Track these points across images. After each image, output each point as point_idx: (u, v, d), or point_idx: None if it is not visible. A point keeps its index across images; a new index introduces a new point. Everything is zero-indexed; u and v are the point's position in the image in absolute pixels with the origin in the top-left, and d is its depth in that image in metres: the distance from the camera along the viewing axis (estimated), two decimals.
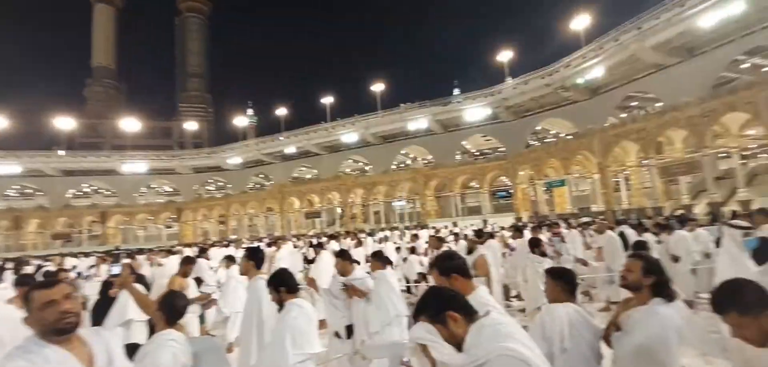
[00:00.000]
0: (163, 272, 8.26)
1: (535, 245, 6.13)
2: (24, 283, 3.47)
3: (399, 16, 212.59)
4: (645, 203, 28.87)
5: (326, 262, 7.50)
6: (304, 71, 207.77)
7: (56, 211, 50.44)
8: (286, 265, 7.14)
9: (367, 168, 52.76)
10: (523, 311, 7.85)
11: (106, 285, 5.23)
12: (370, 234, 18.13)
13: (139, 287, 4.41)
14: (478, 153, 50.08)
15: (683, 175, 27.22)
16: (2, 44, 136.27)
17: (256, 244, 15.48)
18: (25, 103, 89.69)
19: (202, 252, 9.89)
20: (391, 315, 3.69)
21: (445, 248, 7.00)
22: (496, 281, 5.14)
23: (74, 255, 19.23)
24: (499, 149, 45.05)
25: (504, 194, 41.11)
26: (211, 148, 65.92)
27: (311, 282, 4.83)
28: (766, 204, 12.33)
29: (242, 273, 3.83)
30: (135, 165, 57.94)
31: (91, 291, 7.61)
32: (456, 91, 51.50)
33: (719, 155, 26.44)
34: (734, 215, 9.85)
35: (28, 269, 9.89)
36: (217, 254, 12.18)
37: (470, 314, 1.53)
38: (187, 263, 5.29)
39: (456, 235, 13.36)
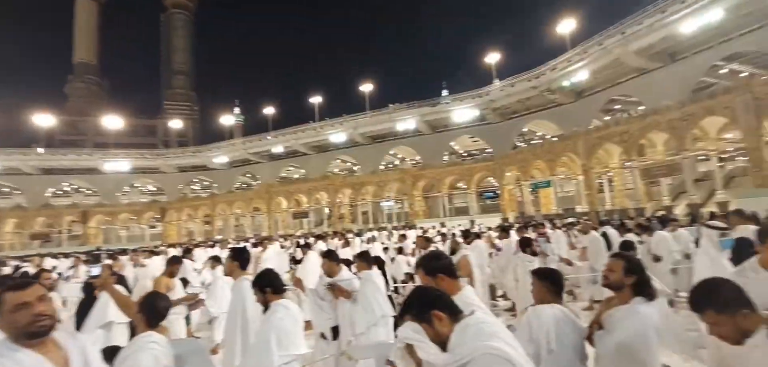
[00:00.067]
0: (145, 273, 8.09)
1: (525, 244, 6.23)
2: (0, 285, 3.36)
3: (388, 16, 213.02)
4: (627, 204, 29.52)
5: (313, 262, 7.45)
6: (292, 70, 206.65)
7: (34, 210, 49.03)
8: (272, 265, 7.06)
9: (355, 168, 52.68)
10: (509, 310, 7.94)
11: (88, 287, 5.10)
12: (358, 234, 18.09)
13: (120, 288, 4.32)
14: (465, 154, 50.46)
15: (664, 177, 27.94)
16: None
17: (242, 244, 15.30)
18: (3, 99, 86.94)
19: (187, 253, 9.74)
20: (377, 316, 3.68)
21: (432, 248, 7.03)
22: (480, 282, 5.19)
23: (54, 256, 18.69)
24: (487, 150, 45.48)
25: (491, 194, 41.52)
26: (197, 147, 64.94)
27: (298, 283, 4.79)
28: (742, 206, 12.73)
29: (227, 274, 3.77)
30: (117, 164, 56.66)
31: (68, 293, 7.41)
32: (444, 93, 51.81)
33: (698, 158, 27.21)
34: (712, 216, 10.13)
35: (6, 270, 9.58)
36: (201, 254, 12.00)
37: (455, 314, 1.55)
38: (174, 263, 5.18)
39: (443, 235, 13.43)
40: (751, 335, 1.67)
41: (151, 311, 2.33)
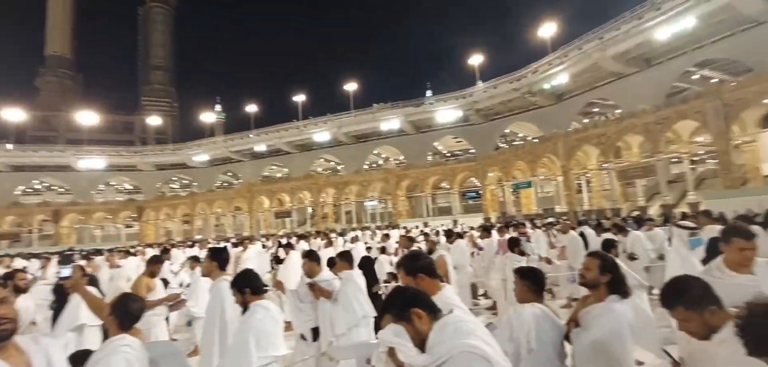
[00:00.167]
0: (120, 274, 7.85)
1: (514, 244, 6.32)
2: None
3: (373, 16, 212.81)
4: (604, 204, 30.34)
5: (295, 263, 7.37)
6: (275, 68, 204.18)
7: (3, 209, 47.00)
8: (253, 266, 6.95)
9: (339, 168, 52.43)
10: (490, 309, 8.04)
11: (59, 289, 4.90)
12: (341, 234, 18.02)
13: (92, 289, 4.17)
14: (449, 154, 50.88)
15: (639, 178, 28.85)
16: None
17: (222, 244, 15.01)
18: None
19: (165, 253, 9.49)
20: (359, 316, 3.66)
21: (414, 248, 7.06)
22: (455, 282, 5.24)
23: (25, 256, 17.91)
24: (470, 151, 45.96)
25: (473, 194, 41.99)
26: (176, 144, 63.43)
27: (278, 285, 4.73)
28: (712, 206, 13.25)
29: (204, 274, 3.68)
30: (92, 161, 54.74)
31: (37, 295, 7.10)
32: (428, 93, 52.19)
33: (672, 160, 28.22)
34: (684, 216, 10.51)
35: None
36: (179, 255, 11.71)
37: (435, 312, 1.55)
38: (155, 262, 5.02)
39: (426, 235, 13.49)
40: (718, 331, 1.74)
41: (123, 313, 2.26)
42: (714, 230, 5.25)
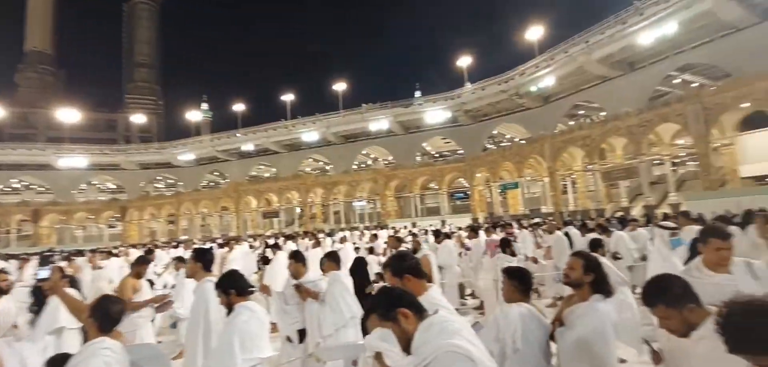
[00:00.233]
0: (101, 275, 7.67)
1: (506, 245, 6.38)
2: None
3: (363, 16, 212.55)
4: (589, 204, 30.87)
5: (282, 263, 7.31)
6: (263, 66, 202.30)
7: None
8: (239, 267, 6.87)
9: (327, 168, 52.21)
10: (477, 308, 8.10)
11: (37, 291, 4.76)
12: (330, 234, 17.94)
13: (72, 291, 4.07)
14: (437, 155, 51.12)
15: (622, 179, 29.47)
16: None
17: (208, 245, 14.80)
18: None
19: (149, 254, 9.32)
20: (346, 317, 3.64)
21: (402, 248, 7.06)
22: (438, 281, 5.28)
23: (2, 257, 17.36)
24: (458, 152, 46.24)
25: (461, 195, 42.26)
26: (161, 143, 62.27)
27: (264, 289, 4.68)
28: (692, 207, 13.61)
29: (188, 275, 3.61)
30: (73, 159, 53.37)
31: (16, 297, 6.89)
32: (417, 94, 52.34)
33: (654, 162, 28.88)
34: (666, 217, 10.77)
35: None
36: (163, 256, 11.50)
37: (421, 312, 1.55)
38: (141, 263, 4.91)
39: (414, 235, 13.52)
40: (697, 328, 1.78)
41: (103, 316, 2.20)
42: (693, 230, 5.39)
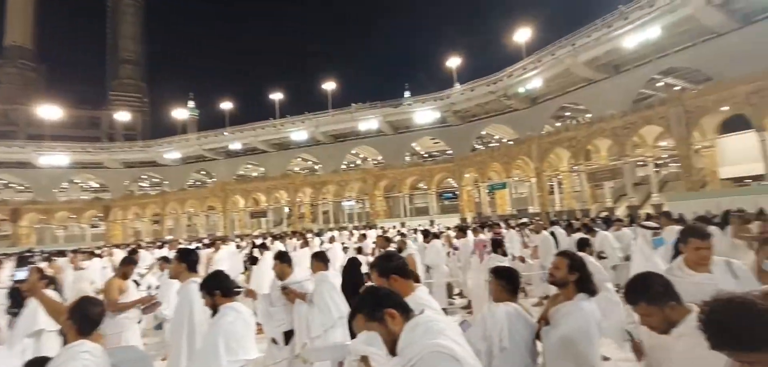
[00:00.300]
0: (83, 276, 7.50)
1: (497, 245, 6.42)
2: None
3: (352, 15, 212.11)
4: (575, 205, 31.35)
5: (270, 264, 7.25)
6: (251, 64, 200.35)
7: None
8: (225, 267, 6.79)
9: (316, 167, 51.94)
10: (465, 308, 8.15)
11: (14, 292, 4.62)
12: (318, 234, 17.85)
13: (52, 292, 3.96)
14: (426, 155, 51.29)
15: (607, 180, 29.99)
16: None
17: (193, 245, 14.59)
18: None
19: (133, 254, 9.13)
20: (334, 317, 3.62)
21: (390, 248, 7.07)
22: (423, 279, 5.30)
23: None
24: (447, 152, 46.47)
25: (450, 195, 42.48)
26: (146, 141, 61.15)
27: (250, 293, 4.63)
28: (674, 208, 13.92)
29: (172, 276, 3.55)
30: (54, 157, 51.99)
31: None
32: (407, 94, 52.42)
33: (637, 163, 29.47)
34: (648, 217, 11.00)
35: None
36: (147, 257, 11.28)
37: (407, 312, 1.55)
38: (127, 263, 4.81)
39: (403, 235, 13.53)
40: (677, 325, 1.82)
41: (82, 318, 2.14)
42: (674, 230, 5.52)
